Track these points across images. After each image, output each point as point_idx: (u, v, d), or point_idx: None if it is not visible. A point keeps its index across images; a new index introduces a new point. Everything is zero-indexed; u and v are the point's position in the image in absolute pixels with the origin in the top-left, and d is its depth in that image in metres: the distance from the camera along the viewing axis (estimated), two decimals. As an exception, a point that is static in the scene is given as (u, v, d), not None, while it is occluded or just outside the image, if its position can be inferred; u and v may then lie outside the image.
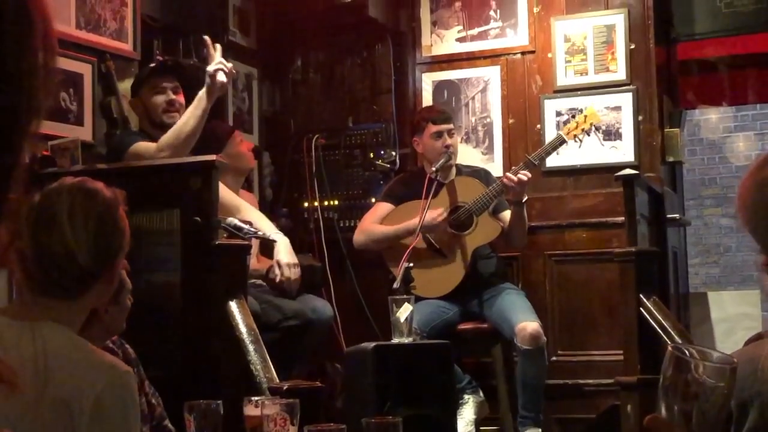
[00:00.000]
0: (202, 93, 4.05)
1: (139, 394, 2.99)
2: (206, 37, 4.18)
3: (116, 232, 2.04)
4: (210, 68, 4.04)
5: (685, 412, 1.35)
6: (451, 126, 4.90)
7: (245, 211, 4.29)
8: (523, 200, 4.71)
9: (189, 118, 4.03)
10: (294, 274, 4.31)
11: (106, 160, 4.18)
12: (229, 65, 4.10)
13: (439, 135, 4.84)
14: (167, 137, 4.03)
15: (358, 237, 4.96)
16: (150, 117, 4.24)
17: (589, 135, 4.94)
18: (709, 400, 1.34)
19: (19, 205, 1.90)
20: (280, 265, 4.28)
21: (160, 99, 4.23)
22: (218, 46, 4.12)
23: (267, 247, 4.48)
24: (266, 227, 4.27)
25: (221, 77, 4.03)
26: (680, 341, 3.83)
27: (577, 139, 4.87)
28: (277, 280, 4.29)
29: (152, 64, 4.46)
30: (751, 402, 1.57)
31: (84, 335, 2.06)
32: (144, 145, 4.09)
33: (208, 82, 4.03)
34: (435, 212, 4.69)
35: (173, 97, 4.24)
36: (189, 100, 4.21)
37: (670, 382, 1.37)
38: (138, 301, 3.22)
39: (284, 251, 4.30)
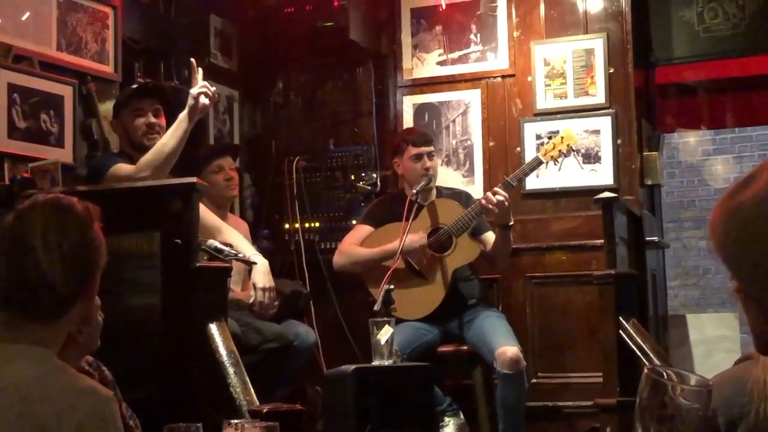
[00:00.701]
0: (183, 114, 4.05)
1: (117, 418, 2.99)
2: (192, 60, 4.20)
3: (91, 250, 2.00)
4: (193, 91, 4.05)
5: (661, 433, 1.37)
6: (431, 148, 4.92)
7: (226, 233, 4.29)
8: (510, 223, 4.73)
9: (169, 138, 4.04)
10: (268, 298, 4.29)
11: (86, 182, 4.17)
12: (213, 88, 4.12)
13: (419, 157, 4.86)
14: (147, 158, 4.03)
15: (339, 259, 4.97)
16: (130, 139, 4.24)
17: (567, 156, 4.96)
18: (684, 422, 1.36)
19: None
20: (255, 288, 4.28)
21: (140, 121, 4.22)
22: (200, 69, 4.14)
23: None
24: (246, 249, 4.27)
25: (204, 100, 4.05)
26: (659, 363, 3.85)
27: (555, 161, 4.90)
28: (250, 301, 4.29)
29: (133, 86, 4.46)
30: (740, 420, 1.59)
31: (60, 356, 2.04)
32: (123, 167, 4.09)
33: (191, 103, 4.04)
34: (415, 235, 4.70)
35: (153, 120, 4.23)
36: (170, 123, 4.21)
37: (646, 404, 1.38)
38: (118, 323, 3.20)
39: (260, 274, 4.29)
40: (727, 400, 1.59)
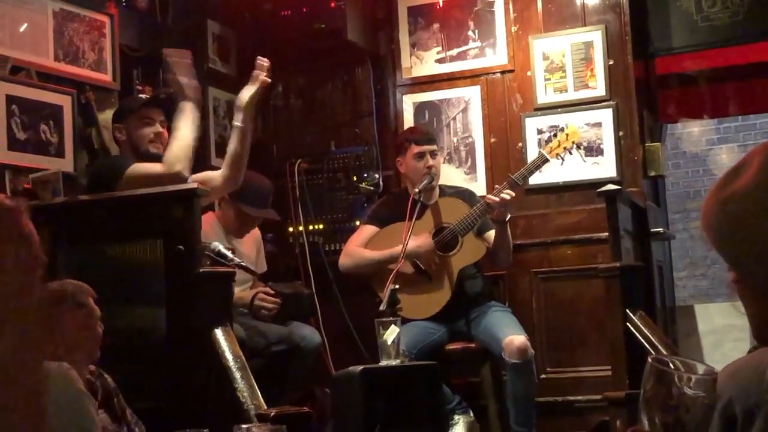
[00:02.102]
0: (190, 104, 4.04)
1: (120, 424, 2.98)
2: (164, 51, 4.16)
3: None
4: (184, 80, 4.05)
5: (667, 424, 1.35)
6: (433, 147, 4.90)
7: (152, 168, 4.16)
8: (506, 219, 4.72)
9: (188, 130, 4.00)
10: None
11: (87, 191, 4.16)
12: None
13: (421, 156, 4.85)
14: (174, 152, 3.96)
15: (344, 261, 4.96)
16: (135, 147, 4.18)
17: (571, 153, 4.96)
18: (690, 411, 1.35)
19: None
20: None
21: (148, 130, 4.18)
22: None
23: None
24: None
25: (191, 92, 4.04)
26: (666, 354, 3.83)
27: (559, 157, 4.89)
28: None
29: (144, 96, 4.46)
30: (758, 409, 1.56)
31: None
32: (146, 166, 4.01)
33: (197, 96, 4.05)
34: (420, 239, 4.69)
35: (161, 129, 4.22)
36: (169, 128, 4.22)
37: (651, 394, 1.37)
38: (123, 331, 3.21)
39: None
40: (744, 389, 1.57)
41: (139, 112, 4.22)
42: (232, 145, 4.18)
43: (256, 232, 4.94)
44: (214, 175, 4.26)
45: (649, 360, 1.38)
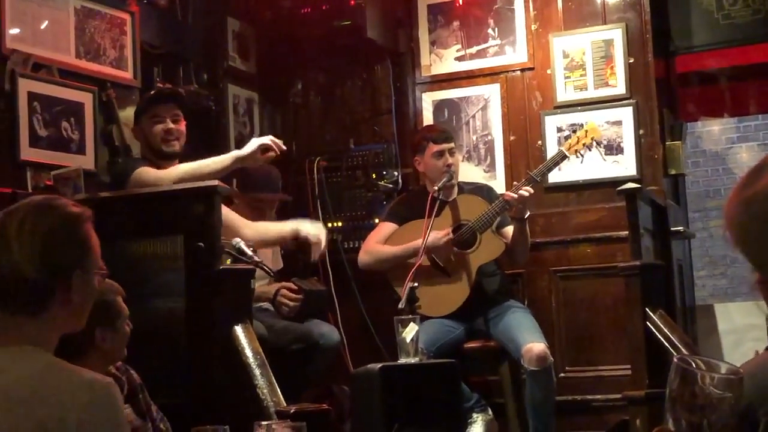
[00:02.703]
0: (235, 153, 4.09)
1: (145, 420, 3.00)
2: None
3: (70, 244, 1.98)
4: (261, 140, 4.10)
5: (693, 424, 1.35)
6: (452, 145, 4.90)
7: (245, 226, 4.34)
8: (525, 216, 4.71)
9: (210, 165, 4.01)
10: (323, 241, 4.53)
11: (109, 188, 4.18)
12: (281, 143, 4.16)
13: (440, 154, 4.84)
14: (180, 172, 3.99)
15: (363, 257, 4.96)
16: (150, 145, 4.23)
17: (590, 150, 4.93)
18: (716, 411, 1.34)
19: None
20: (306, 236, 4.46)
21: (158, 128, 4.20)
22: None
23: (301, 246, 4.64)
24: (273, 231, 4.52)
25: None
26: (687, 353, 3.82)
27: (578, 154, 4.87)
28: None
29: (151, 92, 4.46)
30: None
31: (82, 363, 2.03)
32: (150, 171, 4.05)
33: (249, 149, 4.05)
34: (439, 233, 4.68)
35: (171, 126, 4.21)
36: (190, 126, 4.23)
37: (676, 394, 1.36)
38: (143, 327, 3.22)
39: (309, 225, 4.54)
40: (765, 390, 1.55)
41: (149, 109, 4.25)
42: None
43: None
44: None
45: (675, 360, 1.37)
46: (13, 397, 1.80)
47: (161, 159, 4.17)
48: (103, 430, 1.82)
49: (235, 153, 4.09)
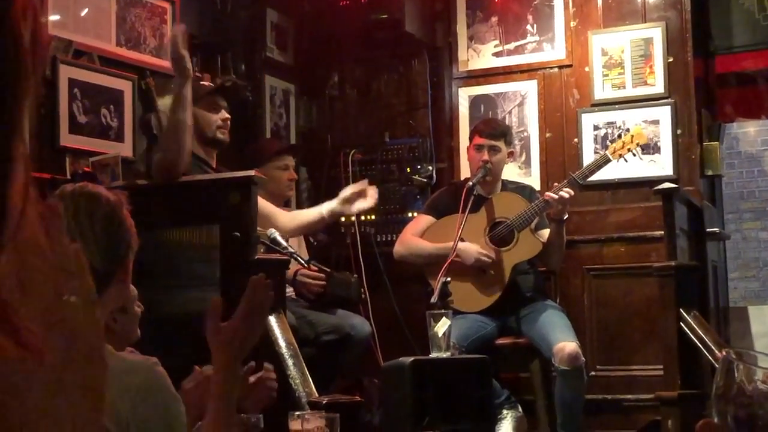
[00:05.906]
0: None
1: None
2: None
3: (123, 230, 2.01)
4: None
5: (739, 419, 1.34)
6: (493, 142, 4.82)
7: (281, 214, 4.43)
8: (564, 218, 4.68)
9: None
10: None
11: (146, 176, 4.22)
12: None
13: (480, 148, 4.82)
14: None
15: (399, 249, 4.95)
16: (202, 132, 4.28)
17: (634, 155, 4.87)
18: (763, 407, 1.33)
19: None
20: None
21: (216, 116, 4.32)
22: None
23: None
24: (309, 213, 4.65)
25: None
26: (740, 349, 3.79)
27: (622, 158, 4.81)
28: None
29: (212, 85, 4.56)
30: None
31: None
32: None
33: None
34: (475, 248, 4.66)
35: (227, 115, 4.34)
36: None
37: (723, 390, 1.36)
38: (178, 315, 3.24)
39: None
40: None
41: (207, 99, 4.32)
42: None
43: None
44: None
45: (723, 354, 1.37)
46: None
47: (208, 145, 4.30)
48: (157, 410, 1.83)
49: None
